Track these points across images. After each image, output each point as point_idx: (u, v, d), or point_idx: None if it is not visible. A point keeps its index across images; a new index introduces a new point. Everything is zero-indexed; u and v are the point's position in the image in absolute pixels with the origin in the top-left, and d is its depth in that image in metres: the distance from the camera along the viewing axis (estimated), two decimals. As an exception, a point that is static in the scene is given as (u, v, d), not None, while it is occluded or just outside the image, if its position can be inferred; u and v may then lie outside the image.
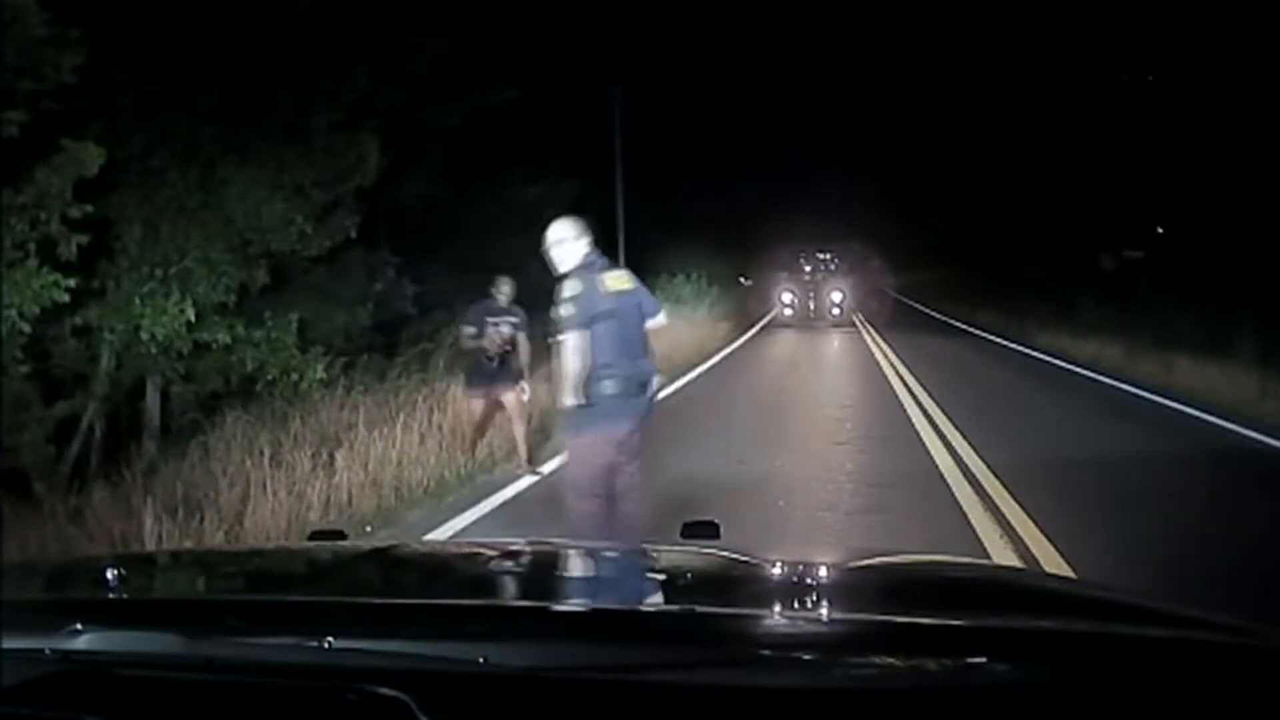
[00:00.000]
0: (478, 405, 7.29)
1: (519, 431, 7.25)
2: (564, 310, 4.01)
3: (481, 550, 2.11)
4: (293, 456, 6.55)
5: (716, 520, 2.00)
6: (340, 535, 2.17)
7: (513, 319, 7.00)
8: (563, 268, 4.19)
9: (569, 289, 4.05)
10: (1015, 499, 6.18)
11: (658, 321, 4.36)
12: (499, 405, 7.28)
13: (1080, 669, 1.03)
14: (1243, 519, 5.74)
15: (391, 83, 12.73)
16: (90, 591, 1.51)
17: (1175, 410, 10.83)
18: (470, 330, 7.05)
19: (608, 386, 3.99)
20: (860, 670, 1.06)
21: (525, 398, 7.21)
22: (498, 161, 16.38)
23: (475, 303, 7.19)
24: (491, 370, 6.98)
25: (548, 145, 18.17)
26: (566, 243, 4.20)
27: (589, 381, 3.97)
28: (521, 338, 7.06)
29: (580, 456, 4.16)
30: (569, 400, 4.04)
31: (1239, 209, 20.03)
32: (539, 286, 7.06)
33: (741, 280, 34.15)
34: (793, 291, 27.54)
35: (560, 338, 4.05)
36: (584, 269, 4.13)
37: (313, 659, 1.10)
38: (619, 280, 4.21)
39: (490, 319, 6.96)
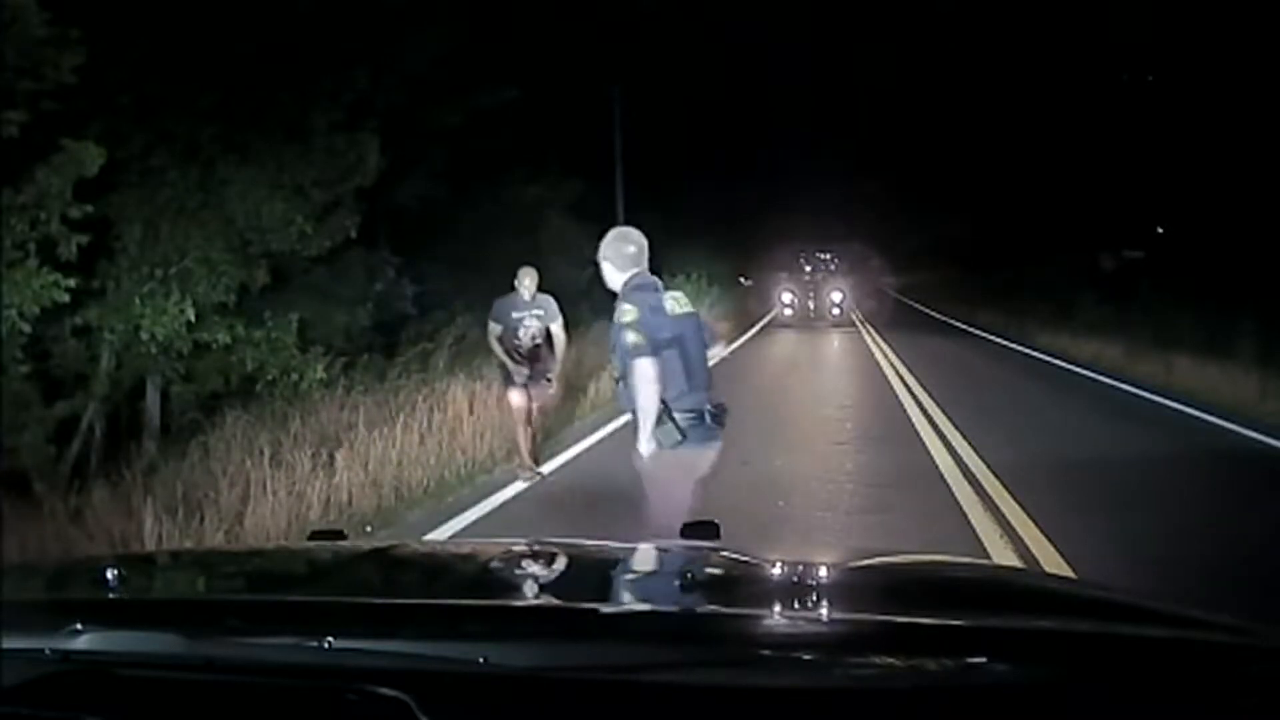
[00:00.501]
0: (519, 401, 6.89)
1: (527, 431, 7.15)
2: (630, 337, 3.53)
3: (481, 550, 2.11)
4: (293, 456, 6.54)
5: (716, 520, 1.99)
6: (340, 535, 2.17)
7: (538, 312, 6.76)
8: (613, 282, 3.80)
9: (629, 312, 3.58)
10: (1015, 499, 6.17)
11: (713, 353, 3.95)
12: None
13: (1080, 669, 1.03)
14: (1244, 519, 5.72)
15: (391, 83, 12.75)
16: (90, 591, 1.51)
17: (1175, 410, 10.82)
18: (497, 329, 6.80)
19: (683, 420, 3.60)
20: (860, 670, 1.06)
21: (550, 392, 7.06)
22: (498, 161, 16.37)
23: (500, 298, 6.88)
24: (524, 368, 6.78)
25: (548, 145, 18.15)
26: (619, 259, 3.78)
27: (662, 420, 3.56)
28: (555, 328, 6.81)
29: (676, 470, 3.68)
30: (647, 446, 3.58)
31: (1239, 209, 20.02)
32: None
33: (741, 280, 34.15)
34: (793, 291, 27.55)
35: (631, 365, 3.55)
36: (642, 288, 3.72)
37: (313, 659, 1.10)
38: (679, 302, 3.79)
39: (515, 314, 6.75)
